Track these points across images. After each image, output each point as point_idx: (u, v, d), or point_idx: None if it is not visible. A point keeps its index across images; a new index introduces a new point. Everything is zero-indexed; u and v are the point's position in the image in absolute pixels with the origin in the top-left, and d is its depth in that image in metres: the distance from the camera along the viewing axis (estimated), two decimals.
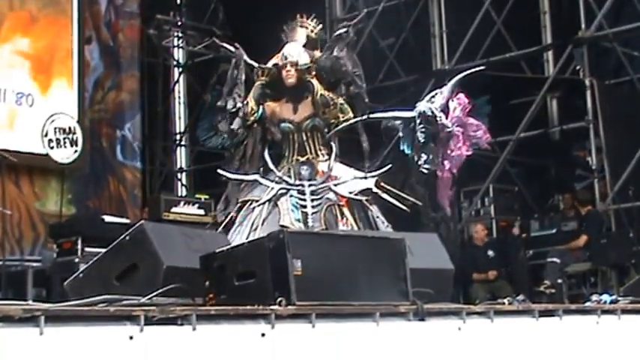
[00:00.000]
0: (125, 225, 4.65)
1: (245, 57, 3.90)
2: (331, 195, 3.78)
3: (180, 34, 9.15)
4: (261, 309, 2.42)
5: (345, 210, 3.79)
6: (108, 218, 5.90)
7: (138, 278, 2.80)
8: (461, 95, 3.91)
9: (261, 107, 3.85)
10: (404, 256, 2.91)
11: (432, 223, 3.81)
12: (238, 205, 3.84)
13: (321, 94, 3.84)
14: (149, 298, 2.49)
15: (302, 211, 3.70)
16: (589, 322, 3.44)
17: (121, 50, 7.74)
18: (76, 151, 6.20)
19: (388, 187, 3.91)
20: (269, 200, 3.75)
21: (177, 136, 9.71)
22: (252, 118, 3.83)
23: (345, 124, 3.89)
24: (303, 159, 3.85)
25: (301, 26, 4.04)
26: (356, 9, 9.07)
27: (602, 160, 7.07)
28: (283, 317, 2.42)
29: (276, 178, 3.81)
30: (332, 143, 3.92)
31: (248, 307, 2.42)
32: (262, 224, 3.65)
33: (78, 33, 7.15)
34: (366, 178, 3.89)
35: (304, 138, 3.85)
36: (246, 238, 3.55)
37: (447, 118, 3.80)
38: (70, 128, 6.19)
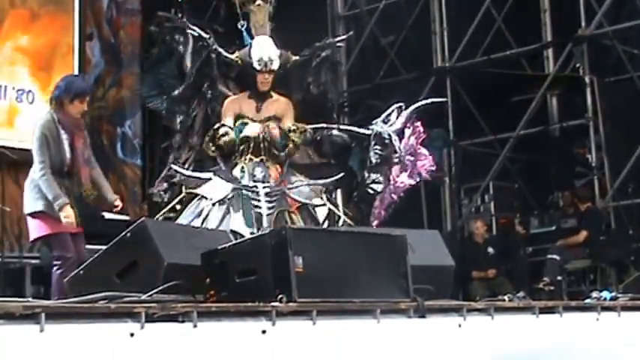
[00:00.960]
0: (125, 222, 4.64)
1: (217, 47, 3.89)
2: (283, 200, 3.75)
3: None
4: (262, 306, 2.43)
5: (295, 217, 3.77)
6: (108, 215, 5.89)
7: (139, 275, 2.81)
8: (418, 123, 3.92)
9: (234, 131, 3.77)
10: (405, 253, 2.92)
11: None
12: (183, 195, 3.78)
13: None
14: (150, 295, 2.50)
15: (255, 212, 3.65)
16: (589, 319, 3.45)
17: (122, 47, 7.71)
18: None
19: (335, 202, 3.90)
20: (220, 201, 3.68)
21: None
22: (224, 139, 3.78)
23: (304, 135, 3.83)
24: (257, 160, 3.79)
25: (264, 1, 3.90)
26: (357, 6, 9.07)
27: (602, 158, 7.07)
28: (284, 314, 2.43)
29: (229, 176, 3.76)
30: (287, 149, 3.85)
31: (249, 304, 2.43)
32: (216, 227, 3.58)
33: (79, 30, 7.13)
34: (318, 185, 3.87)
35: (261, 139, 3.78)
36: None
37: (400, 143, 3.82)
38: None
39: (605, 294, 4.03)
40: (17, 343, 1.93)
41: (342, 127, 4.00)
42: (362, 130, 3.91)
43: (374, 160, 3.84)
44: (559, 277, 6.24)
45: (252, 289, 2.58)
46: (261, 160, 3.79)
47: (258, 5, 3.86)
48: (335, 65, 4.05)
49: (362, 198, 3.90)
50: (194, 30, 3.83)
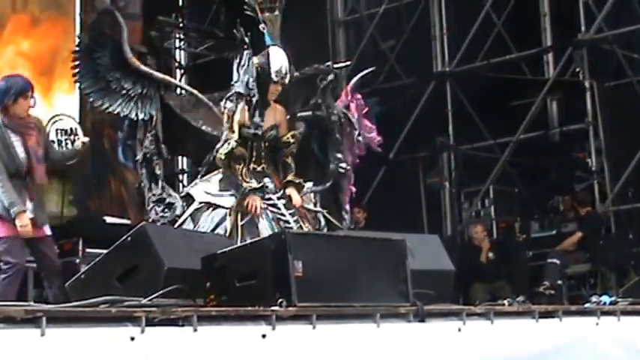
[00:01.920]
0: (126, 226, 4.66)
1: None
2: (296, 209, 3.72)
3: (181, 36, 9.16)
4: (262, 310, 2.43)
5: (307, 224, 3.76)
6: (109, 219, 5.91)
7: (139, 279, 2.82)
8: (359, 96, 3.97)
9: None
10: (404, 258, 2.92)
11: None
12: (201, 205, 3.67)
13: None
14: (150, 299, 2.50)
15: (283, 223, 3.61)
16: (588, 323, 3.45)
17: None
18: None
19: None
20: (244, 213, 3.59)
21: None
22: (240, 151, 3.64)
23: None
24: (259, 168, 3.73)
25: (273, 9, 3.85)
26: (357, 11, 9.09)
27: (602, 162, 7.07)
28: (284, 318, 2.44)
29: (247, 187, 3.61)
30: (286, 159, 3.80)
31: (249, 309, 2.44)
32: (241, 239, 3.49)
33: (80, 34, 7.16)
34: (315, 190, 3.85)
35: (262, 147, 3.72)
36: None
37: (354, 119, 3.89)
38: (71, 129, 6.20)
39: (605, 298, 4.04)
40: (18, 347, 1.94)
41: (298, 114, 3.97)
42: (319, 113, 3.91)
43: (338, 139, 3.87)
44: (559, 282, 6.24)
45: (252, 294, 2.59)
46: (263, 168, 3.74)
47: (276, 15, 3.83)
48: (336, 88, 4.04)
49: (332, 179, 3.89)
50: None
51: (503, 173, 7.71)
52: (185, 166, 9.89)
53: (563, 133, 7.79)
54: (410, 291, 2.88)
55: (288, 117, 3.85)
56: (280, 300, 2.49)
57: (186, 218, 3.66)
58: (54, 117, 6.22)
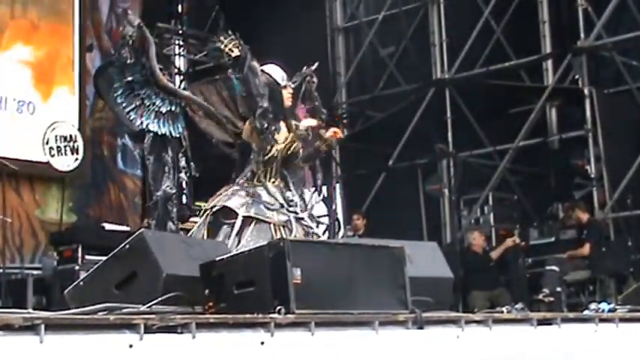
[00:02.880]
0: (126, 233, 4.65)
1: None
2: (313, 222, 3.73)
3: (181, 43, 9.19)
4: (261, 317, 2.43)
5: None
6: (108, 226, 5.91)
7: (138, 286, 2.81)
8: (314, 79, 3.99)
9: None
10: (403, 265, 2.92)
11: None
12: (241, 219, 3.56)
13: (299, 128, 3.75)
14: (149, 307, 2.50)
15: (315, 236, 3.63)
16: (587, 330, 3.45)
17: None
18: (76, 159, 6.21)
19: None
20: (283, 225, 3.56)
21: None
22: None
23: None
24: (276, 183, 3.67)
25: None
26: (356, 18, 9.13)
27: (601, 169, 7.09)
28: (282, 326, 2.43)
29: (276, 203, 3.60)
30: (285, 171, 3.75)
31: (247, 316, 2.43)
32: None
33: (79, 41, 7.18)
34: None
35: (277, 162, 3.67)
36: None
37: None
38: (70, 136, 6.21)
39: (604, 306, 4.03)
40: (17, 355, 1.94)
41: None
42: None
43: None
44: (558, 289, 6.24)
45: (250, 301, 2.58)
46: (278, 183, 3.70)
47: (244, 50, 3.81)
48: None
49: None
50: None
51: (502, 180, 7.73)
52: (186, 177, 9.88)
53: (562, 140, 7.81)
54: (408, 298, 2.87)
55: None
56: (279, 307, 2.49)
57: (233, 233, 3.56)
58: (53, 123, 6.23)
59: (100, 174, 7.41)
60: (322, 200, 6.65)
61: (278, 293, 2.54)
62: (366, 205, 8.01)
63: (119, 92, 3.62)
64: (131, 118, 3.62)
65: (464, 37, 7.95)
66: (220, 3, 8.83)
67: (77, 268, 5.30)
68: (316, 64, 3.94)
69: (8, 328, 1.93)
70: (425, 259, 3.40)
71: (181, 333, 2.22)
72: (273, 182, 3.68)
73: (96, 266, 3.05)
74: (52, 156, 6.10)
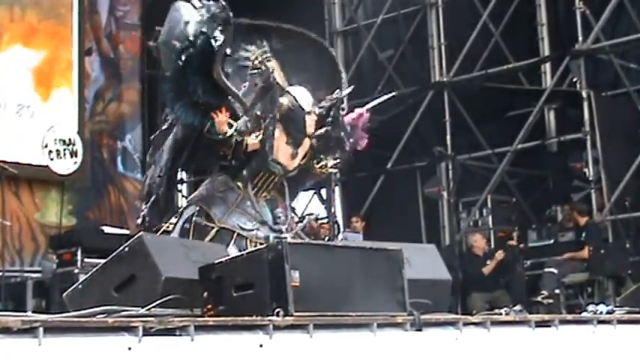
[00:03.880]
0: (125, 236, 4.66)
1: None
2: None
3: None
4: (259, 320, 2.43)
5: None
6: (108, 229, 5.93)
7: (136, 289, 2.81)
8: (366, 115, 3.96)
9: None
10: (401, 267, 2.92)
11: None
12: (216, 229, 3.48)
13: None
14: (148, 309, 2.50)
15: None
16: (585, 332, 3.46)
17: (121, 62, 7.79)
18: (76, 162, 6.23)
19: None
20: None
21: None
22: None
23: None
24: (269, 196, 3.61)
25: (269, 59, 3.67)
26: (355, 21, 9.15)
27: (599, 172, 7.10)
28: (281, 328, 2.43)
29: (258, 217, 3.50)
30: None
31: (246, 318, 2.43)
32: None
33: (78, 44, 7.20)
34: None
35: (282, 181, 3.61)
36: None
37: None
38: (70, 139, 6.23)
39: (602, 307, 4.04)
40: (15, 358, 1.94)
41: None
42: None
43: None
44: (557, 291, 6.26)
45: (249, 303, 2.58)
46: (272, 196, 3.61)
47: (273, 63, 3.65)
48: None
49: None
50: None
51: (500, 183, 7.74)
52: (184, 177, 9.91)
53: (561, 142, 7.83)
54: (407, 300, 2.88)
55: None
56: (277, 309, 2.49)
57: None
58: (52, 127, 6.25)
59: (99, 177, 7.44)
60: (322, 203, 6.67)
61: (276, 296, 2.54)
62: (365, 208, 8.03)
63: (172, 73, 3.44)
64: (183, 117, 3.48)
65: (462, 40, 7.97)
66: None
67: (76, 271, 5.32)
68: (350, 88, 3.86)
69: (7, 330, 1.94)
70: (423, 262, 3.41)
71: (180, 335, 2.23)
72: (265, 196, 3.60)
73: (95, 269, 3.05)
74: (52, 159, 6.12)
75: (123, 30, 7.79)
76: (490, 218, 7.65)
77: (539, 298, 6.14)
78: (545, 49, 7.93)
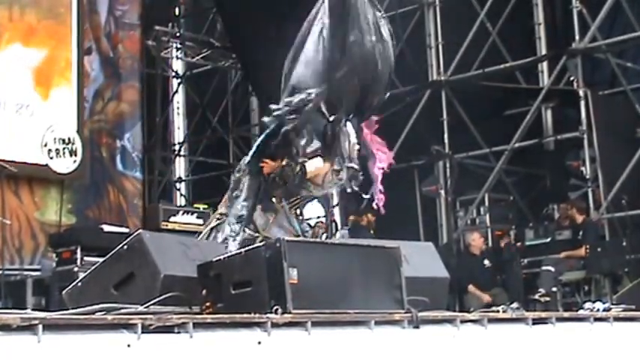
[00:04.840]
0: (124, 234, 4.67)
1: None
2: None
3: (178, 46, 9.23)
4: (258, 317, 2.44)
5: None
6: (107, 228, 5.93)
7: (135, 287, 2.83)
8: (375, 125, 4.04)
9: None
10: (399, 265, 2.94)
11: None
12: (260, 238, 3.65)
13: None
14: (147, 307, 2.51)
15: None
16: (582, 329, 3.47)
17: (120, 61, 7.78)
18: (75, 160, 6.24)
19: None
20: None
21: (176, 146, 9.78)
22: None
23: None
24: (297, 212, 3.81)
25: None
26: None
27: (596, 170, 7.12)
28: (279, 325, 2.45)
29: (293, 232, 3.71)
30: None
31: (244, 315, 2.45)
32: None
33: (77, 44, 7.19)
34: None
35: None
36: None
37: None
38: (69, 138, 6.23)
39: (599, 305, 4.06)
40: (15, 355, 1.95)
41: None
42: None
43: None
44: (554, 289, 6.28)
45: (247, 301, 2.60)
46: (297, 213, 3.81)
47: None
48: None
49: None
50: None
51: (498, 181, 7.77)
52: (182, 175, 9.93)
53: (558, 141, 7.86)
54: (404, 298, 2.89)
55: None
56: (275, 307, 2.50)
57: None
58: (52, 125, 6.25)
59: (98, 176, 7.43)
60: (319, 201, 6.70)
61: (275, 293, 2.56)
62: (363, 206, 8.04)
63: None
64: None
65: (460, 39, 7.99)
66: (217, 6, 8.86)
67: (76, 269, 5.32)
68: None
69: (6, 328, 1.95)
70: (421, 259, 3.42)
71: (179, 333, 2.24)
72: (296, 213, 3.78)
73: (94, 267, 3.06)
74: (51, 158, 6.12)
75: (122, 29, 7.79)
76: (487, 217, 7.68)
77: (536, 296, 6.17)
78: (543, 48, 7.95)
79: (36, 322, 1.99)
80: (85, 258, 5.36)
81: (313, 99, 3.56)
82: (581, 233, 6.63)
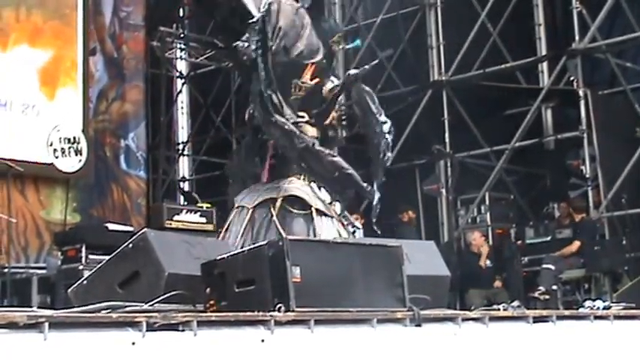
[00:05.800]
0: (129, 233, 4.70)
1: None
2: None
3: (182, 46, 9.26)
4: (261, 315, 2.46)
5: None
6: (112, 226, 5.96)
7: (140, 285, 2.86)
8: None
9: None
10: (401, 263, 2.97)
11: None
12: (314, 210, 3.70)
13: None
14: (151, 305, 2.54)
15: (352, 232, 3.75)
16: (582, 327, 3.49)
17: (125, 62, 7.82)
18: (80, 160, 6.28)
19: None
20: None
21: (180, 146, 9.80)
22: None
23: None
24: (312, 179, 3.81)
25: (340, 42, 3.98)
26: (355, 21, 9.19)
27: (596, 169, 7.13)
28: (282, 323, 2.47)
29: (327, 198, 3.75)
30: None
31: (248, 314, 2.47)
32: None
33: (82, 44, 7.23)
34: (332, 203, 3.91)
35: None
36: None
37: None
38: (74, 138, 6.27)
39: (599, 303, 4.09)
40: (21, 352, 1.97)
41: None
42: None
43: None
44: (554, 287, 6.30)
45: (251, 299, 2.62)
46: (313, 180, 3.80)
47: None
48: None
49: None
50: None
51: (499, 180, 7.79)
52: (186, 174, 9.96)
53: (558, 140, 7.86)
54: (406, 296, 2.92)
55: None
56: (279, 305, 2.53)
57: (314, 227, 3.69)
58: (57, 125, 6.29)
59: (103, 175, 7.47)
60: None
61: (278, 291, 2.58)
62: (365, 205, 8.07)
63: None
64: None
65: (461, 39, 8.00)
66: None
67: (81, 267, 5.34)
68: (370, 66, 4.01)
69: (13, 326, 1.96)
70: (422, 258, 3.45)
71: (183, 331, 2.25)
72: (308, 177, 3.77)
73: (99, 265, 3.10)
74: (57, 157, 6.16)
75: (126, 30, 7.82)
76: (488, 215, 7.69)
77: (536, 294, 6.19)
78: (543, 48, 7.96)
79: (42, 319, 2.01)
80: (90, 256, 5.38)
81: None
82: (578, 231, 6.65)
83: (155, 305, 2.56)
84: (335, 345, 2.60)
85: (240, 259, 2.80)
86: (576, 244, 6.46)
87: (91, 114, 7.38)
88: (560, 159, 7.84)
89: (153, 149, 8.40)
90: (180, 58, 9.46)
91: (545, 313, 3.55)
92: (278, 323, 2.45)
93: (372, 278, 2.91)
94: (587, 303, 4.15)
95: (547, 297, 6.12)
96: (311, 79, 3.80)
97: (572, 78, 7.50)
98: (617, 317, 3.71)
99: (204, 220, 6.27)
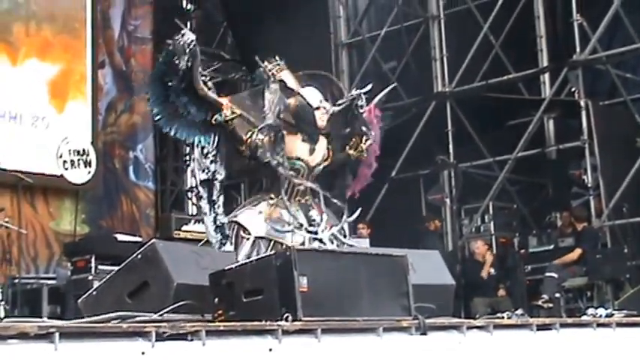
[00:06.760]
0: (138, 244, 4.73)
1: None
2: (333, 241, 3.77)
3: None
4: (269, 325, 2.49)
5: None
6: (121, 237, 6.01)
7: (149, 295, 2.88)
8: (379, 113, 4.22)
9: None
10: (406, 273, 2.99)
11: None
12: (252, 240, 3.62)
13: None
14: (160, 315, 2.57)
15: None
16: (585, 335, 3.52)
17: (133, 75, 7.90)
18: (89, 171, 6.35)
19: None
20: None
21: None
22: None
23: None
24: (303, 201, 3.75)
25: (281, 69, 3.85)
26: (359, 34, 9.28)
27: (598, 179, 7.17)
28: (290, 332, 2.49)
29: (295, 222, 3.65)
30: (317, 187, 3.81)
31: (256, 323, 2.49)
32: None
33: (92, 57, 7.32)
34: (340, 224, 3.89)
35: (310, 181, 3.75)
36: None
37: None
38: (84, 150, 6.34)
39: (601, 311, 4.11)
40: None
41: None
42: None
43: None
44: (557, 295, 6.33)
45: (258, 309, 2.65)
46: (306, 201, 3.75)
47: (286, 72, 3.82)
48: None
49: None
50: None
51: (502, 190, 7.83)
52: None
53: (560, 150, 7.90)
54: (412, 305, 2.93)
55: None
56: (286, 315, 2.55)
57: (244, 253, 3.61)
58: (66, 137, 6.37)
59: (112, 186, 7.53)
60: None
61: (285, 301, 2.61)
62: (371, 215, 8.13)
63: (152, 101, 3.63)
64: (160, 124, 3.64)
65: (464, 51, 8.07)
66: (228, 20, 8.97)
67: (90, 277, 5.37)
68: (368, 86, 4.02)
69: (24, 336, 1.98)
70: (427, 267, 3.47)
71: (192, 340, 2.27)
72: (299, 200, 3.73)
73: (109, 276, 3.11)
74: (66, 169, 6.23)
75: (134, 44, 7.91)
76: (492, 224, 7.73)
77: (539, 302, 6.22)
78: (544, 59, 8.01)
79: (53, 330, 2.01)
80: (100, 266, 5.43)
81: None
82: (580, 240, 6.68)
83: (164, 315, 2.58)
84: (342, 354, 2.62)
85: (247, 269, 2.83)
86: (577, 251, 6.50)
87: (100, 126, 7.46)
88: (562, 169, 7.88)
89: (161, 160, 8.46)
90: None
91: (548, 320, 3.57)
92: (285, 332, 2.47)
93: (377, 287, 2.93)
94: (590, 311, 4.17)
95: (550, 305, 6.15)
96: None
97: (573, 89, 7.55)
98: (620, 325, 3.73)
99: None
